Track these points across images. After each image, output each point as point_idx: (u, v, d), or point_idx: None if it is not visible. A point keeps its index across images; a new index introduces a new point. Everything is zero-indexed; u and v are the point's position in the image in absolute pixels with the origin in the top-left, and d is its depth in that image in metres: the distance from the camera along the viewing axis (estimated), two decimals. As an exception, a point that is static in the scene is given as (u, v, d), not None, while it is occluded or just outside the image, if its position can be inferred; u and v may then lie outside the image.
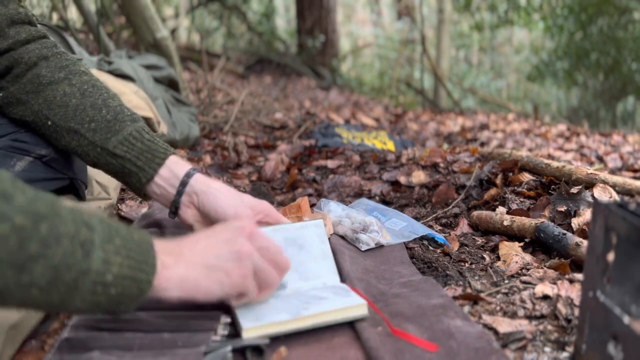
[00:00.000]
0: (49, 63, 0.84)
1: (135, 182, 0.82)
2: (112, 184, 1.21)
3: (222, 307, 0.74)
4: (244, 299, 0.66)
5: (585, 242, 0.91)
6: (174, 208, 0.83)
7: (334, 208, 1.12)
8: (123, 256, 0.52)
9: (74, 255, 0.48)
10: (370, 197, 1.46)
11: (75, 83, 0.84)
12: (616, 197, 1.13)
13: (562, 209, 1.10)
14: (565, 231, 0.97)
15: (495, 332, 0.69)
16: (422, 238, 1.07)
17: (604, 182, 1.16)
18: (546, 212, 1.12)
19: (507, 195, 1.24)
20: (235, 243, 0.63)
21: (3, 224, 0.44)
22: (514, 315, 0.73)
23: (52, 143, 0.86)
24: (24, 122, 0.84)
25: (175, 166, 0.83)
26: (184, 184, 0.82)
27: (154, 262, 0.55)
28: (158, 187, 0.83)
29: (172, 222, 1.02)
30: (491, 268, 0.91)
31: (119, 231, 0.54)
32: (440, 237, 1.07)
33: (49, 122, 0.82)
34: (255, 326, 0.65)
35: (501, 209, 1.15)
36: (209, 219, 0.82)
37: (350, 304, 0.69)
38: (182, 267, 0.58)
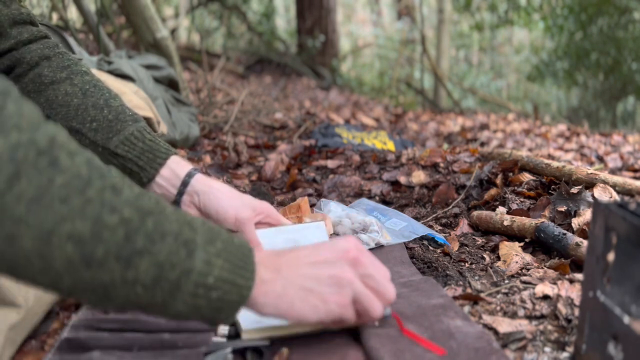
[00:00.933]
0: (51, 63, 0.85)
1: (136, 182, 0.82)
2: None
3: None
4: (341, 326, 0.62)
5: (585, 242, 0.91)
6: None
7: (334, 208, 1.12)
8: (224, 259, 0.51)
9: (177, 254, 0.48)
10: (370, 197, 1.46)
11: (77, 83, 0.84)
12: (616, 197, 1.13)
13: (562, 209, 1.10)
14: (565, 231, 0.97)
15: (495, 332, 0.69)
16: (422, 238, 1.07)
17: (604, 182, 1.16)
18: (546, 212, 1.12)
19: (507, 195, 1.24)
20: (336, 267, 0.59)
21: (113, 216, 0.44)
22: (514, 315, 0.73)
23: None
24: None
25: (177, 166, 0.83)
26: (185, 183, 0.82)
27: (253, 269, 0.53)
28: (159, 187, 0.83)
29: None
30: (491, 268, 0.91)
31: (220, 234, 0.53)
32: (440, 237, 1.07)
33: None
34: (255, 328, 0.65)
35: (501, 209, 1.15)
36: (210, 220, 0.82)
37: None
38: (279, 285, 0.56)
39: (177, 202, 0.82)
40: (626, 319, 0.49)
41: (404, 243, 1.04)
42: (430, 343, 0.63)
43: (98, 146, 0.81)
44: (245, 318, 0.67)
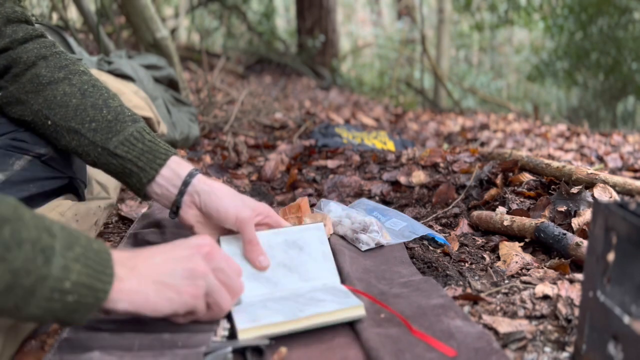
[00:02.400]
0: (48, 63, 0.84)
1: (136, 183, 0.82)
2: (112, 184, 1.21)
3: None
4: (191, 318, 0.65)
5: (585, 242, 0.91)
6: (175, 208, 0.83)
7: (334, 208, 1.12)
8: (82, 264, 0.52)
9: (34, 261, 0.48)
10: (370, 197, 1.46)
11: (76, 83, 0.84)
12: (616, 197, 1.13)
13: (562, 209, 1.10)
14: (565, 231, 0.97)
15: (496, 332, 0.69)
16: (422, 238, 1.07)
17: (604, 182, 1.16)
18: (546, 212, 1.12)
19: (507, 195, 1.24)
20: (190, 261, 0.62)
21: None
22: (514, 315, 0.73)
23: (51, 143, 0.86)
24: (23, 121, 0.84)
25: (177, 166, 0.82)
26: (186, 183, 0.81)
27: (112, 272, 0.55)
28: (159, 187, 0.82)
29: (172, 222, 1.02)
30: (491, 268, 0.91)
31: (79, 239, 0.54)
32: (440, 237, 1.07)
33: (49, 122, 0.82)
34: (251, 327, 0.65)
35: (501, 209, 1.15)
36: (210, 220, 0.82)
37: (347, 305, 0.69)
38: (134, 281, 0.58)
39: (177, 202, 0.82)
40: (626, 319, 0.49)
41: (404, 243, 1.04)
42: (441, 344, 0.63)
43: (97, 146, 0.81)
44: (241, 317, 0.67)
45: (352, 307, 0.69)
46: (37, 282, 0.49)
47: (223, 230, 0.84)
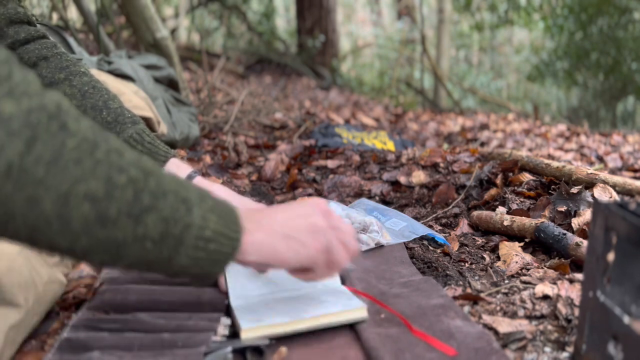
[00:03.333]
0: (49, 64, 0.85)
1: None
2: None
3: (223, 309, 0.74)
4: (311, 276, 0.66)
5: (585, 242, 0.91)
6: None
7: (334, 208, 1.12)
8: (217, 214, 0.54)
9: (178, 210, 0.50)
10: (370, 197, 1.46)
11: (76, 84, 0.84)
12: (616, 197, 1.13)
13: (562, 209, 1.10)
14: (565, 231, 0.97)
15: (496, 332, 0.69)
16: (422, 238, 1.07)
17: (604, 182, 1.16)
18: (546, 212, 1.12)
19: (507, 195, 1.24)
20: (311, 216, 0.64)
21: (121, 176, 0.46)
22: (514, 315, 0.73)
23: None
24: None
25: (177, 168, 0.83)
26: None
27: (240, 222, 0.57)
28: None
29: None
30: (491, 268, 0.91)
31: (207, 194, 0.56)
32: (440, 237, 1.07)
33: None
34: (253, 327, 0.65)
35: (501, 209, 1.15)
36: None
37: (350, 307, 0.69)
38: (263, 233, 0.60)
39: None
40: (626, 319, 0.49)
41: (404, 243, 1.04)
42: (441, 344, 0.63)
43: None
44: (244, 317, 0.67)
45: (355, 309, 0.69)
46: (184, 230, 0.51)
47: None
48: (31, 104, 0.42)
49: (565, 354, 0.64)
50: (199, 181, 0.83)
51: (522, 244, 1.02)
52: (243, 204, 0.82)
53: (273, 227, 0.61)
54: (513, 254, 0.95)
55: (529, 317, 0.73)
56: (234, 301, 0.73)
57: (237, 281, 0.76)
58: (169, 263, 0.51)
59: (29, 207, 0.42)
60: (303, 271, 0.65)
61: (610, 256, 0.53)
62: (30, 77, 0.44)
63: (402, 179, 1.50)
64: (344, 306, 0.70)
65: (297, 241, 0.62)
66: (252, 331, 0.64)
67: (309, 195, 1.52)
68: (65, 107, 0.45)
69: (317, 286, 0.79)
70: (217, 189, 0.83)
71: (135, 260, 0.50)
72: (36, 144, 0.41)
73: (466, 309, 0.77)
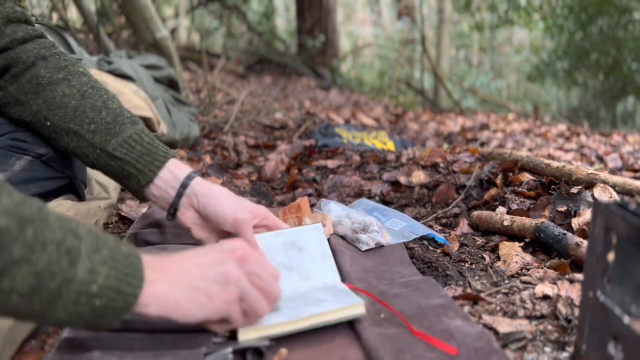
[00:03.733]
0: (48, 63, 0.84)
1: (134, 185, 0.82)
2: (112, 184, 1.21)
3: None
4: (226, 326, 0.63)
5: (585, 242, 0.91)
6: (173, 210, 0.82)
7: (334, 208, 1.12)
8: (110, 267, 0.51)
9: (59, 263, 0.47)
10: (370, 197, 1.46)
11: (75, 84, 0.84)
12: (616, 197, 1.13)
13: (562, 209, 1.10)
14: (565, 231, 0.97)
15: (496, 332, 0.69)
16: (422, 238, 1.07)
17: (604, 182, 1.16)
18: (546, 212, 1.12)
19: (507, 195, 1.24)
20: (223, 265, 0.60)
21: None
22: (514, 315, 0.73)
23: (51, 143, 0.86)
24: (22, 122, 0.84)
25: (176, 169, 0.82)
26: (184, 185, 0.81)
27: (142, 276, 0.53)
28: (157, 190, 0.82)
29: (172, 222, 1.02)
30: (491, 268, 0.91)
31: (107, 242, 0.53)
32: (440, 237, 1.07)
33: (48, 123, 0.82)
34: (252, 328, 0.65)
35: (501, 209, 1.15)
36: (208, 222, 0.82)
37: (348, 304, 0.69)
38: (165, 284, 0.56)
39: (175, 204, 0.81)
40: (626, 319, 0.49)
41: (404, 243, 1.04)
42: (442, 344, 0.63)
43: (96, 148, 0.81)
44: None
45: (353, 306, 0.69)
46: (63, 285, 0.48)
47: (220, 232, 0.83)
48: None
49: (565, 354, 0.64)
50: (198, 182, 0.82)
51: (522, 244, 1.02)
52: (242, 205, 0.81)
53: (177, 277, 0.57)
54: (513, 254, 0.95)
55: (529, 317, 0.73)
56: None
57: None
58: (43, 316, 0.48)
59: None
60: (218, 322, 0.61)
61: (610, 256, 0.53)
62: None
63: (402, 179, 1.50)
64: (341, 303, 0.69)
65: (204, 293, 0.58)
66: (250, 332, 0.64)
67: (309, 195, 1.52)
68: None
69: (315, 285, 0.79)
70: (216, 189, 0.82)
71: (3, 312, 0.47)
72: None
73: (466, 309, 0.77)
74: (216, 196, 0.80)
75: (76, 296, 0.48)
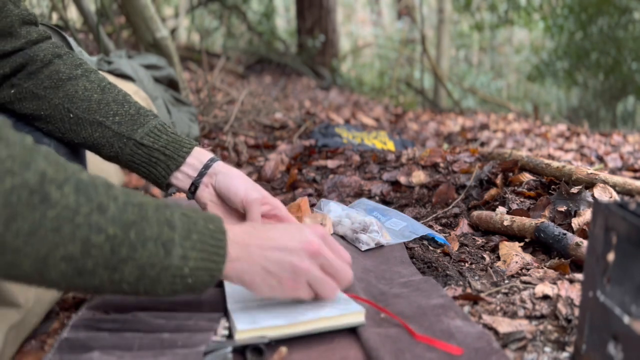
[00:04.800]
0: (65, 60, 0.87)
1: (162, 170, 0.86)
2: (112, 184, 1.21)
3: (222, 309, 0.74)
4: (297, 298, 0.68)
5: (585, 242, 0.91)
6: (194, 188, 0.88)
7: (334, 208, 1.12)
8: (198, 250, 0.58)
9: (157, 255, 0.55)
10: (370, 197, 1.46)
11: (94, 80, 0.88)
12: (616, 197, 1.13)
13: (562, 209, 1.10)
14: (565, 231, 0.97)
15: (496, 332, 0.69)
16: (422, 238, 1.07)
17: (604, 182, 1.16)
18: (546, 212, 1.12)
19: (507, 195, 1.24)
20: (296, 256, 0.65)
21: (99, 235, 0.51)
22: (514, 315, 0.73)
23: (64, 137, 0.87)
24: (35, 117, 0.86)
25: (200, 155, 0.88)
26: (207, 166, 0.87)
27: (225, 252, 0.61)
28: (182, 174, 0.87)
29: None
30: (491, 268, 0.91)
31: (197, 224, 0.60)
32: (440, 237, 1.07)
33: (71, 115, 0.85)
34: (250, 329, 0.65)
35: (501, 209, 1.15)
36: (222, 198, 0.87)
37: (348, 312, 0.69)
38: (245, 263, 0.63)
39: (196, 182, 0.87)
40: (626, 319, 0.49)
41: (404, 243, 1.04)
42: (446, 345, 0.63)
43: (123, 137, 0.85)
44: (241, 319, 0.67)
45: (352, 313, 0.68)
46: (161, 272, 0.56)
47: (234, 214, 0.88)
48: (13, 183, 0.46)
49: (565, 354, 0.64)
50: (219, 164, 0.88)
51: (522, 244, 1.02)
52: (255, 187, 0.86)
53: (255, 258, 0.64)
54: (513, 254, 0.95)
55: (529, 317, 0.73)
56: (231, 305, 0.73)
57: (235, 286, 0.76)
58: (146, 294, 0.58)
59: (9, 269, 0.48)
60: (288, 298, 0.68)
61: (610, 256, 0.53)
62: (18, 150, 0.47)
63: (402, 179, 1.50)
64: (341, 310, 0.69)
65: (275, 278, 0.64)
66: (247, 333, 0.64)
67: (309, 195, 1.52)
68: (49, 176, 0.49)
69: None
70: (235, 171, 0.87)
71: (112, 293, 0.57)
72: (15, 221, 0.46)
73: (466, 309, 0.77)
74: (233, 175, 0.86)
75: (172, 279, 0.57)
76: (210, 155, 0.89)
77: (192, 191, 0.88)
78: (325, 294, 0.68)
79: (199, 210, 0.64)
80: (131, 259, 0.54)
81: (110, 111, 0.86)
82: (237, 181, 0.86)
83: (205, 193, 0.88)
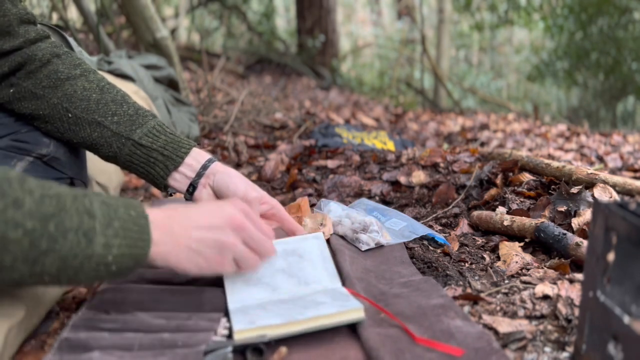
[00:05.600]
0: (63, 60, 0.87)
1: (160, 170, 0.86)
2: (112, 184, 1.21)
3: (222, 308, 0.74)
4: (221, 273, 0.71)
5: (585, 242, 0.91)
6: (192, 188, 0.87)
7: (334, 208, 1.12)
8: (121, 237, 0.59)
9: (79, 245, 0.55)
10: (370, 197, 1.46)
11: (92, 80, 0.88)
12: (616, 197, 1.13)
13: (562, 209, 1.10)
14: (565, 231, 0.97)
15: (496, 332, 0.69)
16: (422, 238, 1.07)
17: (604, 182, 1.16)
18: (546, 212, 1.12)
19: (507, 195, 1.24)
20: (220, 233, 0.67)
21: (16, 230, 0.51)
22: (514, 315, 0.73)
23: (62, 136, 0.87)
24: (34, 116, 0.86)
25: (198, 155, 0.88)
26: (205, 167, 0.87)
27: (149, 238, 0.62)
28: (180, 175, 0.87)
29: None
30: (491, 268, 0.91)
31: (117, 211, 0.60)
32: (440, 237, 1.07)
33: (70, 115, 0.85)
34: (248, 328, 0.64)
35: (501, 209, 1.15)
36: (221, 198, 0.87)
37: (347, 308, 0.68)
38: (169, 245, 0.64)
39: (195, 182, 0.87)
40: (626, 319, 0.49)
41: (404, 243, 1.04)
42: (446, 346, 0.63)
43: (122, 137, 0.85)
44: (239, 319, 0.67)
45: (351, 310, 0.68)
46: (84, 261, 0.56)
47: None
48: None
49: (565, 354, 0.64)
50: (217, 164, 0.88)
51: (522, 244, 1.02)
52: (254, 187, 0.87)
53: (180, 239, 0.65)
54: (513, 254, 0.95)
55: (529, 317, 0.73)
56: (232, 304, 0.73)
57: (234, 285, 0.76)
58: (69, 284, 0.58)
59: None
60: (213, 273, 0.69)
61: (611, 256, 0.53)
62: None
63: (402, 179, 1.50)
64: (340, 307, 0.69)
65: (202, 256, 0.66)
66: (245, 333, 0.64)
67: (309, 195, 1.52)
68: None
69: (316, 288, 0.78)
70: (233, 171, 0.88)
71: (35, 285, 0.57)
72: None
73: (466, 309, 0.77)
74: (231, 175, 0.87)
75: (95, 266, 0.57)
76: (208, 156, 0.89)
77: (190, 192, 0.88)
78: (248, 267, 0.70)
79: (119, 197, 0.64)
80: (52, 251, 0.54)
81: (109, 111, 0.85)
82: (235, 180, 0.86)
83: (203, 194, 0.87)
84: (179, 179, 0.87)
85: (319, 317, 0.67)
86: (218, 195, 0.87)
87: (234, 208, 0.70)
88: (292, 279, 0.79)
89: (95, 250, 0.57)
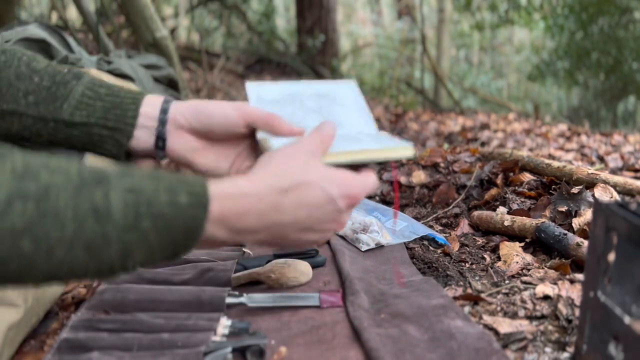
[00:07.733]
0: None
1: (112, 148, 0.67)
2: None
3: (222, 308, 0.74)
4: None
5: (586, 242, 0.91)
6: (162, 142, 0.67)
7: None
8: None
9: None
10: (370, 197, 1.46)
11: None
12: (617, 197, 1.13)
13: (563, 209, 1.10)
14: (566, 231, 0.97)
15: (496, 332, 0.69)
16: (422, 238, 1.07)
17: (605, 182, 1.16)
18: (547, 212, 1.12)
19: (507, 195, 1.24)
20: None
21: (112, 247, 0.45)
22: (514, 316, 0.73)
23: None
24: None
25: (150, 107, 0.67)
26: (164, 110, 0.67)
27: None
28: (137, 140, 0.67)
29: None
30: (492, 268, 0.91)
31: (173, 227, 0.49)
32: (440, 237, 1.07)
33: None
34: (330, 152, 0.60)
35: (502, 209, 1.15)
36: (208, 135, 0.68)
37: (399, 145, 0.64)
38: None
39: (161, 133, 0.67)
40: (627, 319, 0.49)
41: (404, 243, 1.04)
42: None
43: (48, 121, 0.64)
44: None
45: (402, 147, 0.64)
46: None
47: (228, 149, 0.70)
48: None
49: (565, 354, 0.63)
50: (178, 102, 0.68)
51: (522, 244, 1.01)
52: (244, 105, 0.70)
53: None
54: (513, 254, 0.95)
55: (530, 318, 0.72)
56: (275, 144, 0.62)
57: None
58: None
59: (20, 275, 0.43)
60: None
61: (611, 256, 0.52)
62: None
63: (402, 179, 1.50)
64: (397, 143, 0.64)
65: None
66: (331, 156, 0.59)
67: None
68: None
69: (350, 131, 0.71)
70: (202, 102, 0.68)
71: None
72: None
73: (466, 309, 0.77)
74: (204, 103, 0.68)
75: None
76: (161, 98, 0.68)
77: (161, 147, 0.67)
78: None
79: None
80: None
81: (18, 92, 0.64)
82: (214, 104, 0.67)
83: (179, 144, 0.67)
84: (140, 144, 0.67)
85: (373, 150, 0.62)
86: (202, 134, 0.67)
87: (343, 200, 0.57)
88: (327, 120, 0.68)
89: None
